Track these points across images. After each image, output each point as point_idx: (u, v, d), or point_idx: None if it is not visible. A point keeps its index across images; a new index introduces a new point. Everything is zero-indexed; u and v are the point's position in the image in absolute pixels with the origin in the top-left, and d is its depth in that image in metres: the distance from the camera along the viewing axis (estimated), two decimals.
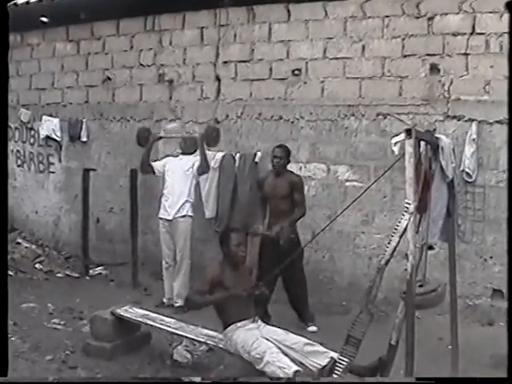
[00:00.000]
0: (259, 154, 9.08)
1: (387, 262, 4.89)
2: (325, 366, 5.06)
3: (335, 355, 5.07)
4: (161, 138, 9.03)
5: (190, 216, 8.39)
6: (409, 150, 4.71)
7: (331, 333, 6.96)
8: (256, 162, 9.07)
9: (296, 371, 5.12)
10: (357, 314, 4.96)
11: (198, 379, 5.73)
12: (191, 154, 8.49)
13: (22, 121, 11.58)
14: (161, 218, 8.45)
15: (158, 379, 6.00)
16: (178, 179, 8.34)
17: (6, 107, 4.20)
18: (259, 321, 5.81)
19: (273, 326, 5.86)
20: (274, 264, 6.66)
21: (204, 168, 8.39)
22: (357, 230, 8.58)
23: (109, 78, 10.67)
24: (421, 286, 5.07)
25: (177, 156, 8.60)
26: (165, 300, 8.48)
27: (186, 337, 6.28)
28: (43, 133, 11.22)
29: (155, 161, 8.74)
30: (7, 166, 4.03)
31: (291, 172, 7.92)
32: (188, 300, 6.02)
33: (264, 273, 6.99)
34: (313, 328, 7.57)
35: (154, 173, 8.65)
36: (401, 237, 4.83)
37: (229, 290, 5.63)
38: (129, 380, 5.92)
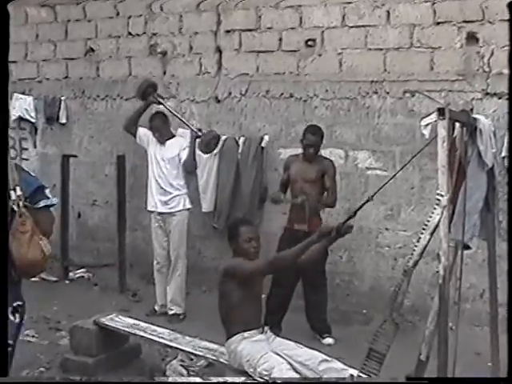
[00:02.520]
0: (266, 137, 9.06)
1: (416, 263, 4.87)
2: None
3: (355, 372, 5.05)
4: (159, 103, 8.81)
5: (188, 209, 8.39)
6: (442, 132, 4.69)
7: (350, 346, 7.01)
8: (262, 147, 9.05)
9: None
10: (380, 324, 4.94)
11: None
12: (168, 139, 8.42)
13: None
14: (151, 212, 8.44)
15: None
16: (168, 165, 8.28)
17: (6, 107, 4.56)
18: (268, 331, 5.78)
19: (284, 338, 5.84)
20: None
21: (190, 166, 8.33)
22: (380, 227, 8.57)
23: (92, 50, 10.66)
24: None
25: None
26: (157, 307, 8.48)
27: (182, 350, 6.28)
28: (15, 113, 11.18)
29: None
30: (7, 161, 4.40)
31: (322, 156, 7.94)
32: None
33: (282, 273, 6.96)
34: (329, 340, 7.56)
35: (134, 136, 8.58)
36: (432, 234, 4.81)
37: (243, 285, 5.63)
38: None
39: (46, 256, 4.60)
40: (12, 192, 4.41)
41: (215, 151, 9.07)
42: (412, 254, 4.88)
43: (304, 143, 7.74)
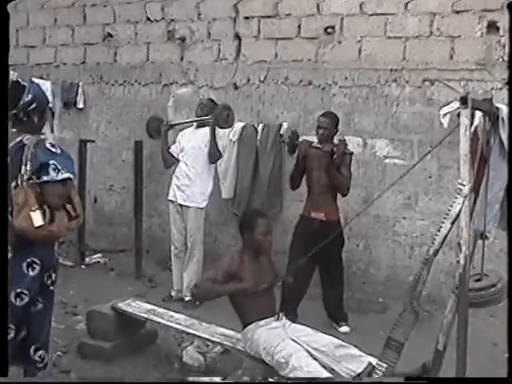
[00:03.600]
0: (285, 124, 9.04)
1: (436, 252, 4.84)
2: (361, 373, 5.03)
3: (373, 360, 5.04)
4: (172, 126, 8.87)
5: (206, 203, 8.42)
6: (464, 121, 4.64)
7: (365, 334, 6.99)
8: (281, 135, 9.02)
9: None
10: (399, 313, 4.92)
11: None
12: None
13: None
14: (171, 201, 8.45)
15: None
16: (194, 157, 8.29)
17: (5, 108, 4.68)
18: (284, 318, 5.76)
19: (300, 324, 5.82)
20: (310, 251, 6.33)
21: (214, 156, 8.31)
22: (397, 215, 8.54)
23: (110, 35, 10.65)
24: (478, 280, 5.03)
25: (190, 126, 8.58)
26: (173, 293, 8.50)
27: (199, 336, 6.26)
28: None
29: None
30: (7, 154, 4.74)
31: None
32: (197, 287, 5.88)
33: (296, 261, 6.91)
34: (345, 328, 7.54)
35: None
36: (453, 223, 4.77)
37: (245, 283, 5.59)
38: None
39: (40, 226, 4.90)
40: (23, 166, 4.95)
41: (235, 138, 9.09)
42: (432, 243, 4.86)
43: (316, 125, 7.71)
